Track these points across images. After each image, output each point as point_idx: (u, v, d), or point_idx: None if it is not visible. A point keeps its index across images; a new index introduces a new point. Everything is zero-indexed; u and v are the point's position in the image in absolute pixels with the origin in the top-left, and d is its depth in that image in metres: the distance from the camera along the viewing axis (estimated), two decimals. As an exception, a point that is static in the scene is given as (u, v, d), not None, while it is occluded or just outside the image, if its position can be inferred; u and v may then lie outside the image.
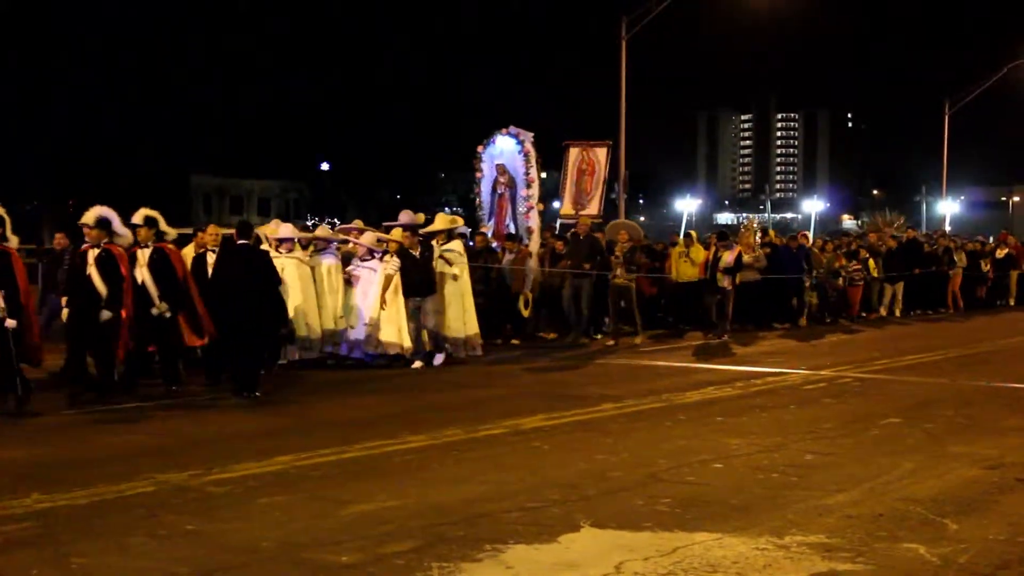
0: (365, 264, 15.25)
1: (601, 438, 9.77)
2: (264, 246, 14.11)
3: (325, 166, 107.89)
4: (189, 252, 13.84)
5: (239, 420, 10.85)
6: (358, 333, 14.92)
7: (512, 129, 20.18)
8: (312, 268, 14.78)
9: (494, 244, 19.07)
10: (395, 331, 14.84)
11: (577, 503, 7.34)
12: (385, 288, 14.84)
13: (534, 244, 19.47)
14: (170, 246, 12.59)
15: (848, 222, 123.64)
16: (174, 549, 6.28)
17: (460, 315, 15.64)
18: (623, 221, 22.17)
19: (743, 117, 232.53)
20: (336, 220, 63.82)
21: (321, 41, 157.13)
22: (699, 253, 20.66)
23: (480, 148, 20.62)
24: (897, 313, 24.91)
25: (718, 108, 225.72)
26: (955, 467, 8.60)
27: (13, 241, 11.38)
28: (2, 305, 10.72)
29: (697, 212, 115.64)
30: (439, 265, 15.40)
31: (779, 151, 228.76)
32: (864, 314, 23.96)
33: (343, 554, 6.16)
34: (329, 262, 15.03)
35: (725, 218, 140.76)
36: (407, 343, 14.89)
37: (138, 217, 12.42)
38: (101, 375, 11.75)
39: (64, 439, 9.79)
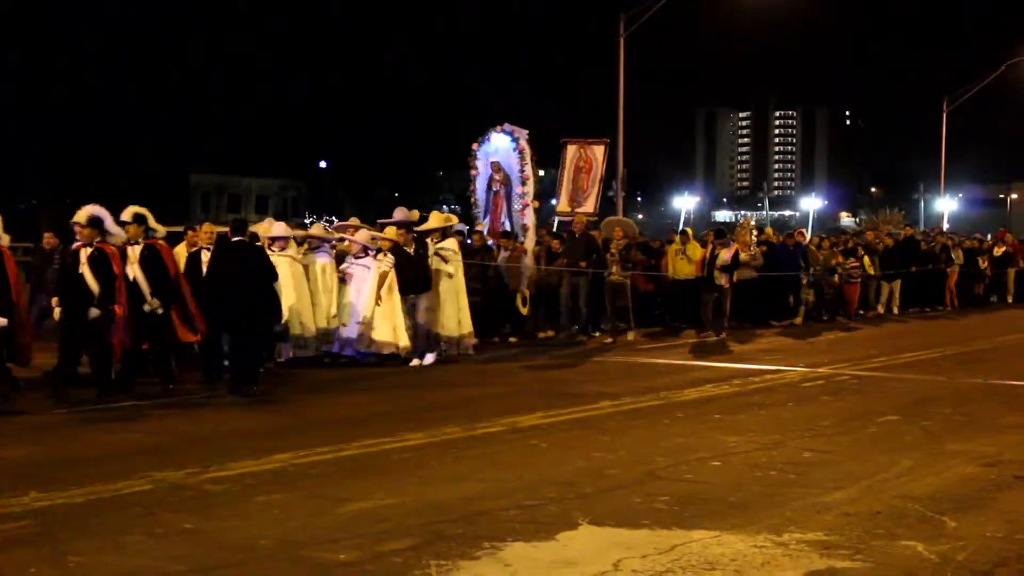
0: (359, 262, 15.21)
1: (599, 436, 9.77)
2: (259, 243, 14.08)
3: (324, 164, 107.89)
4: (181, 251, 13.82)
5: (236, 418, 10.84)
6: (350, 331, 14.89)
7: (507, 126, 20.13)
8: (306, 267, 14.76)
9: (489, 242, 19.06)
10: (390, 330, 14.81)
11: (575, 501, 7.34)
12: (380, 286, 14.83)
13: (530, 241, 19.41)
14: (161, 242, 12.56)
15: (846, 220, 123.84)
16: (171, 547, 6.27)
17: (455, 314, 15.61)
18: (618, 218, 22.14)
19: (741, 115, 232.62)
20: (334, 218, 63.77)
21: (320, 41, 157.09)
22: (696, 251, 20.63)
23: (475, 145, 20.56)
24: (895, 311, 24.91)
25: (716, 106, 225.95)
26: (953, 464, 8.61)
27: (4, 239, 11.36)
28: None
29: (695, 210, 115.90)
30: (434, 263, 15.37)
31: (777, 149, 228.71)
32: (861, 312, 24.00)
33: (341, 552, 6.16)
34: (323, 261, 15.00)
35: (723, 216, 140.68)
36: (403, 341, 14.86)
37: (127, 214, 12.36)
38: (97, 374, 11.71)
39: (61, 438, 9.78)
